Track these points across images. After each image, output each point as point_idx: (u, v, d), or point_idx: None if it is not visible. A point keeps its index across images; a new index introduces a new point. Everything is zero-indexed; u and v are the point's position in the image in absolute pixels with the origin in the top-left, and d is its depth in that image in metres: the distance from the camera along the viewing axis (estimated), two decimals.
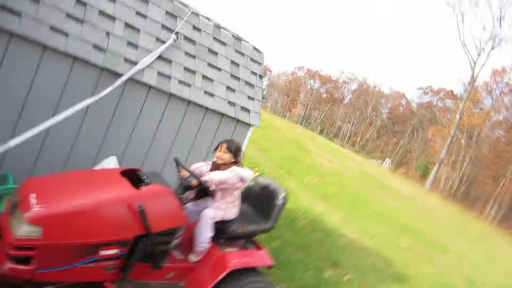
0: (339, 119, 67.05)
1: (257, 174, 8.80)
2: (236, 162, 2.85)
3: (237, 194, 2.90)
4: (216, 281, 2.72)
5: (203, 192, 2.91)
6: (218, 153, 2.86)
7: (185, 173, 2.72)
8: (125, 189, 2.34)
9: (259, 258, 3.12)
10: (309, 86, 70.17)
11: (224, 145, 2.84)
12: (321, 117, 66.11)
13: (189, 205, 2.96)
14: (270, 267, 3.26)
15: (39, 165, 3.20)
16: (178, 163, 2.80)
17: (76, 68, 3.13)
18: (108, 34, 3.29)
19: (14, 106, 2.98)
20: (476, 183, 47.40)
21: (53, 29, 2.97)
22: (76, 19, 3.12)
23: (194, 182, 2.65)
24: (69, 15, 3.08)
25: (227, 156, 2.82)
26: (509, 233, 29.07)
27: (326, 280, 5.24)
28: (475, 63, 38.90)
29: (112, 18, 3.35)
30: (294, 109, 69.22)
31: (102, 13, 3.28)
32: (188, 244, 2.89)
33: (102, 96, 3.23)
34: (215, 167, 2.92)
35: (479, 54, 38.46)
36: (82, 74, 3.17)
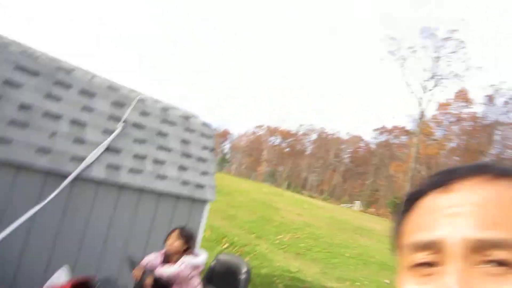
0: (304, 171, 68.21)
1: (225, 245, 8.64)
2: (188, 249, 2.82)
3: (194, 282, 2.84)
4: None
5: (161, 287, 2.84)
6: (168, 242, 2.82)
7: (138, 273, 2.66)
8: None
9: None
10: (270, 143, 71.88)
11: (175, 233, 2.83)
12: (287, 172, 66.99)
13: None
14: None
15: None
16: (130, 262, 2.75)
17: (20, 176, 3.04)
18: (53, 134, 3.26)
19: None
20: None
21: None
22: (20, 124, 3.09)
23: (147, 281, 2.60)
24: (12, 122, 3.04)
25: (178, 244, 2.79)
26: None
27: None
28: (421, 100, 42.21)
29: (57, 117, 3.35)
30: (259, 168, 69.94)
31: (46, 113, 3.28)
32: None
33: (48, 201, 3.10)
34: (166, 257, 2.87)
35: (424, 92, 41.92)
36: (26, 181, 3.07)
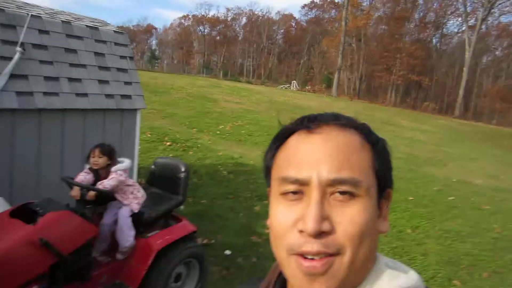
0: (239, 57, 67.21)
1: (168, 143, 8.87)
2: (111, 164, 2.96)
3: (130, 181, 3.08)
4: (146, 267, 2.94)
5: (104, 199, 2.99)
6: (92, 160, 2.92)
7: (75, 192, 2.78)
8: (19, 230, 2.31)
9: (180, 229, 3.36)
10: (200, 33, 68.20)
11: (97, 150, 2.91)
12: (221, 61, 65.60)
13: (108, 217, 3.03)
14: (195, 232, 3.58)
15: None
16: (66, 182, 2.84)
17: None
18: None
19: None
20: (373, 78, 52.34)
21: None
22: None
23: (90, 194, 2.75)
24: None
25: (102, 160, 2.92)
26: (407, 110, 33.68)
27: (257, 214, 5.83)
28: None
29: None
30: (192, 60, 67.50)
31: None
32: (113, 246, 3.01)
33: None
34: (95, 173, 2.99)
35: None
36: None
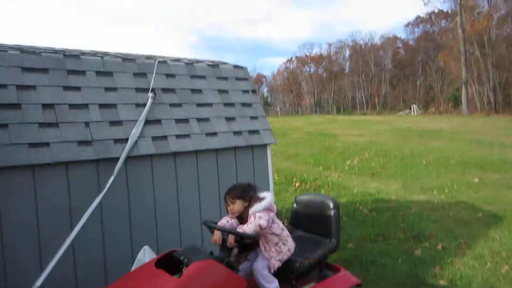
0: (350, 90, 65.85)
1: (297, 184, 8.39)
2: (249, 204, 2.50)
3: (277, 229, 2.54)
4: None
5: (245, 247, 2.55)
6: (228, 208, 2.53)
7: (216, 237, 2.37)
8: (165, 283, 2.03)
9: (342, 282, 2.73)
10: (306, 73, 69.67)
11: (227, 197, 2.53)
12: (332, 97, 65.16)
13: (246, 264, 2.60)
14: (359, 285, 2.83)
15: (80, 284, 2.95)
16: (208, 226, 2.48)
17: (72, 172, 2.92)
18: (87, 124, 3.08)
19: (27, 239, 2.74)
20: (510, 87, 45.04)
21: (33, 145, 2.78)
22: (50, 125, 2.93)
23: (229, 240, 2.31)
24: (42, 124, 2.90)
25: (237, 205, 2.50)
26: None
27: (420, 259, 4.71)
28: None
29: (84, 106, 3.15)
30: (303, 101, 68.66)
31: (72, 106, 3.10)
32: None
33: (109, 187, 3.01)
34: (239, 217, 2.56)
35: None
36: (79, 175, 2.96)
